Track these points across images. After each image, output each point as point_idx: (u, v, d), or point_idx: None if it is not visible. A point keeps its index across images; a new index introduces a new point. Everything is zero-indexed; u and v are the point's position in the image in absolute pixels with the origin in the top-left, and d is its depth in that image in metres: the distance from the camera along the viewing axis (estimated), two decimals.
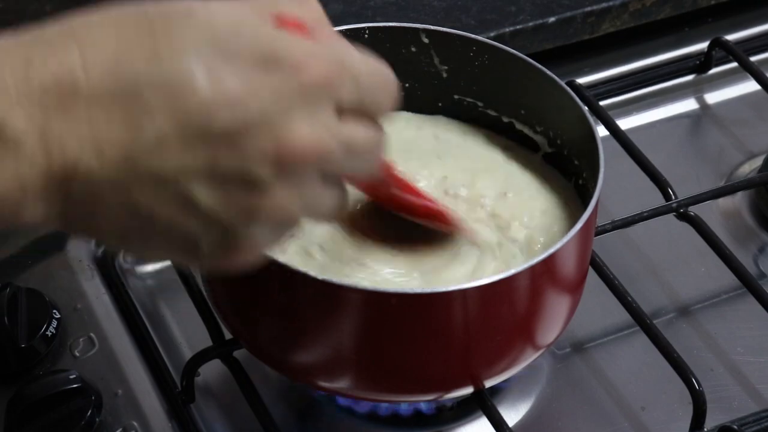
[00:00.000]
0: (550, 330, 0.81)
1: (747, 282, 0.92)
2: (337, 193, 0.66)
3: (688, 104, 1.14)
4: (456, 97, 0.91)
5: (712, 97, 1.15)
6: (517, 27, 1.09)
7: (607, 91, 1.11)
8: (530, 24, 1.10)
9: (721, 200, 1.04)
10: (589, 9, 1.11)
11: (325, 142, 0.61)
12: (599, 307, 0.93)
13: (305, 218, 0.64)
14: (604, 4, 1.12)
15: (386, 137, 0.68)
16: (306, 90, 0.61)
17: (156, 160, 0.58)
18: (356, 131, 0.64)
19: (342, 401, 0.88)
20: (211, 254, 0.62)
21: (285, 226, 0.63)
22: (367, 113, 0.65)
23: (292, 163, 0.60)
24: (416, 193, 0.80)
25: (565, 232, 0.82)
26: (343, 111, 0.63)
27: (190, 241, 0.61)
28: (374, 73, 0.65)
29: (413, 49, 0.89)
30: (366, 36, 0.88)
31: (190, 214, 0.60)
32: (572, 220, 0.84)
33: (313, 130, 0.61)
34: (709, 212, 0.99)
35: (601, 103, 1.06)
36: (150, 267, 0.97)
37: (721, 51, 1.12)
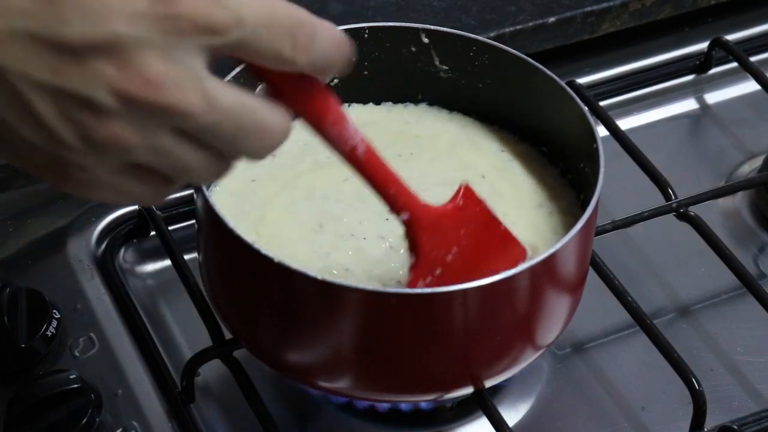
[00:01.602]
0: (550, 330, 0.81)
1: (747, 282, 0.92)
2: (205, 160, 0.60)
3: (688, 104, 1.14)
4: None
5: (712, 97, 1.15)
6: (517, 27, 1.09)
7: (607, 91, 1.11)
8: (530, 24, 1.10)
9: (721, 200, 1.04)
10: (589, 9, 1.11)
11: (177, 88, 0.57)
12: (599, 307, 0.93)
13: (164, 175, 0.59)
14: (604, 4, 1.12)
15: (290, 125, 0.60)
16: (171, 23, 0.56)
17: (2, 55, 0.56)
18: (233, 98, 0.58)
19: (341, 401, 0.88)
20: (45, 170, 0.60)
21: (127, 171, 0.59)
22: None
23: (133, 96, 0.56)
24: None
25: (564, 232, 0.82)
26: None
27: (26, 147, 0.59)
28: (273, 21, 0.59)
29: (413, 49, 0.89)
30: (366, 36, 0.88)
31: (26, 118, 0.58)
32: (572, 219, 0.84)
33: (165, 69, 0.56)
34: (709, 212, 0.99)
35: (601, 103, 1.06)
36: (150, 267, 0.97)
37: (721, 51, 1.12)
